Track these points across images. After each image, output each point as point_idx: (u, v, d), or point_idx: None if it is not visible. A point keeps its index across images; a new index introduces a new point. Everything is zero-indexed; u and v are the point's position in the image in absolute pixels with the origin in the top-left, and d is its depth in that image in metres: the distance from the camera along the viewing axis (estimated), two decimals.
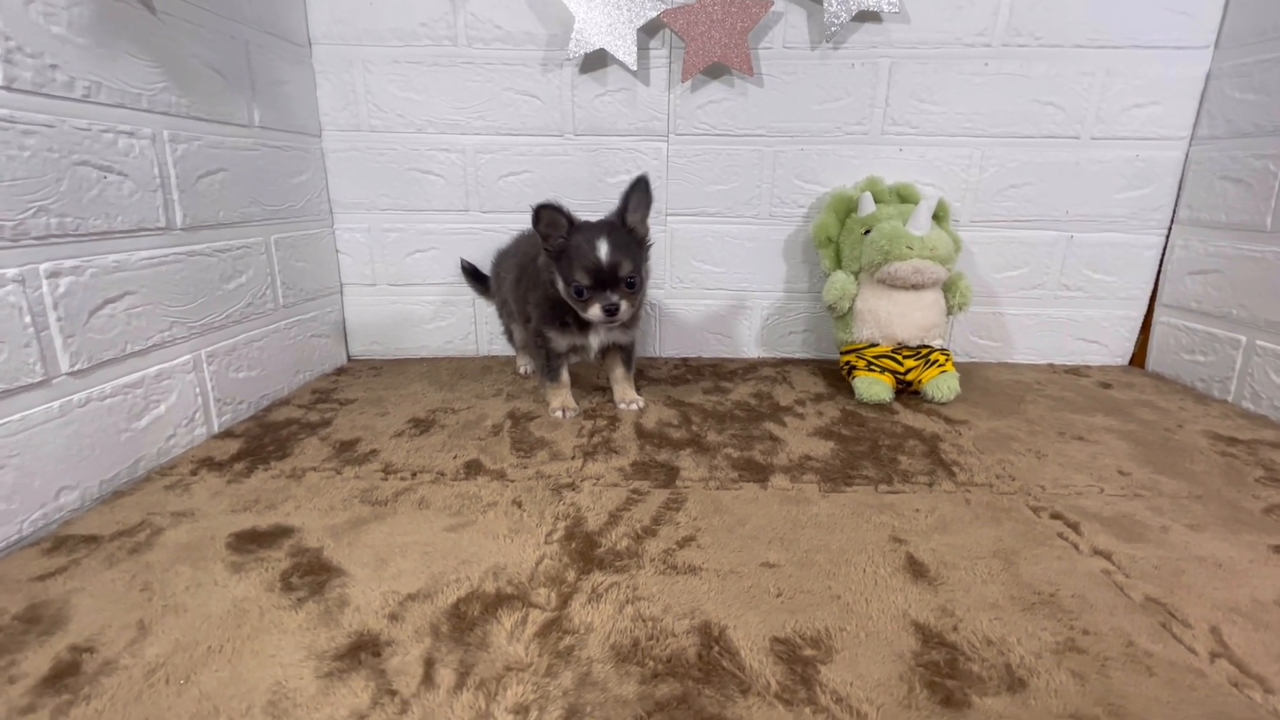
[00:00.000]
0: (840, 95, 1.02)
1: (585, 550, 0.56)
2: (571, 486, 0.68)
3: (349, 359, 1.15)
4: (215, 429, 0.81)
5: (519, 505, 0.64)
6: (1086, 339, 1.12)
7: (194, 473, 0.71)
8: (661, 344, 1.16)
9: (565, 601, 0.49)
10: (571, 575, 0.53)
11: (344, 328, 1.13)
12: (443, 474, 0.71)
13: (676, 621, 0.47)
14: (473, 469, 0.72)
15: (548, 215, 0.78)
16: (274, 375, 0.92)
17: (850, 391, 0.98)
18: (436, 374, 1.07)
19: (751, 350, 1.16)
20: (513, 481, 0.69)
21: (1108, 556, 0.56)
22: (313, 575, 0.53)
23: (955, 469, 0.73)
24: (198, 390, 0.77)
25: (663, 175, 1.06)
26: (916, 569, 0.54)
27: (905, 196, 1.01)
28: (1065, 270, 1.08)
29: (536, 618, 0.48)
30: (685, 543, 0.58)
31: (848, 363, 0.99)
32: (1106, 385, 1.03)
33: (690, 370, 1.09)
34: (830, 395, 0.97)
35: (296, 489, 0.67)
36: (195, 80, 0.76)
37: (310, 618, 0.47)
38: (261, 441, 0.79)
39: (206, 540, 0.58)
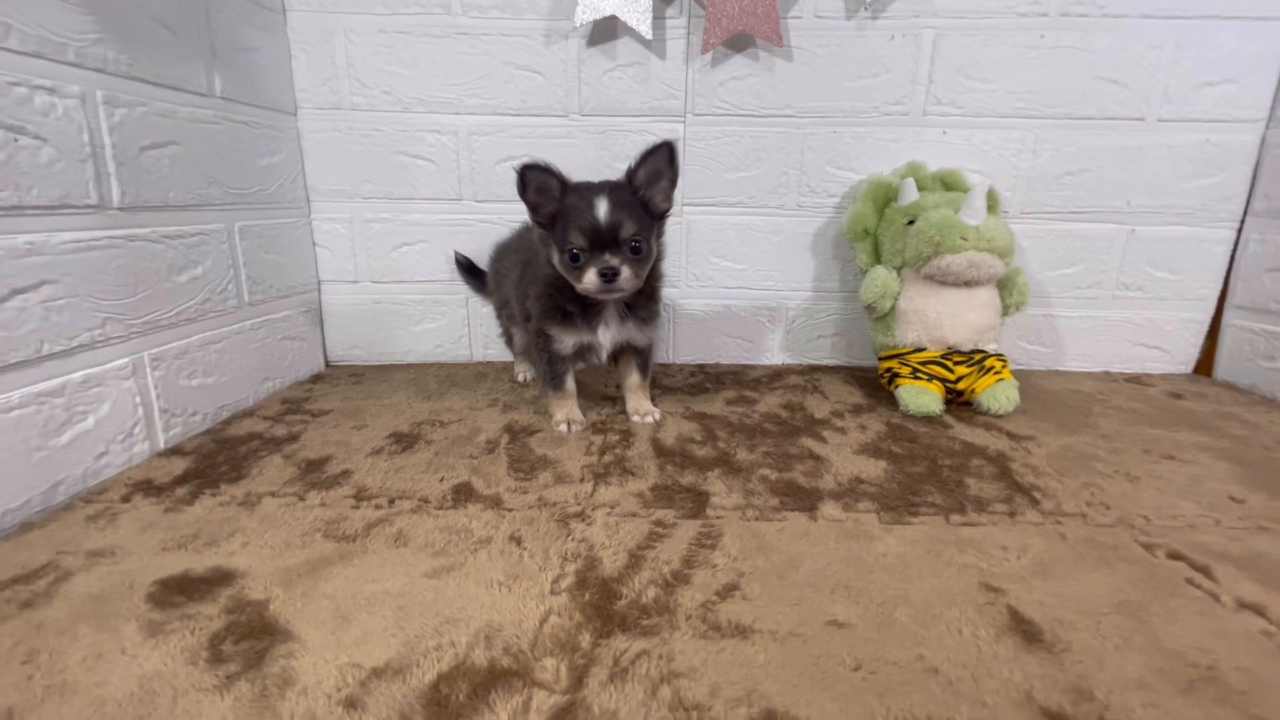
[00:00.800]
0: (878, 71, 0.91)
1: (602, 603, 0.44)
2: (581, 517, 0.57)
3: (326, 364, 1.03)
4: (161, 445, 0.69)
5: (518, 542, 0.52)
6: (1147, 344, 1.01)
7: (126, 499, 0.59)
8: (676, 349, 1.05)
9: (579, 679, 0.38)
10: (586, 639, 0.41)
11: (321, 329, 1.01)
12: (426, 501, 0.59)
13: (730, 711, 0.35)
14: (463, 494, 0.60)
15: (535, 178, 0.68)
16: (236, 382, 0.80)
17: (892, 402, 0.86)
18: (424, 381, 0.95)
19: (775, 356, 1.05)
20: (510, 510, 0.58)
21: (1260, 612, 0.44)
22: (252, 640, 0.41)
23: (1036, 494, 0.61)
24: (138, 399, 0.65)
25: (678, 161, 0.95)
26: (1026, 630, 0.42)
27: (951, 184, 0.91)
28: (1125, 267, 0.98)
29: (542, 703, 0.36)
30: (727, 592, 0.46)
31: (889, 370, 0.87)
32: (1177, 396, 0.92)
33: (709, 377, 0.98)
34: (870, 406, 0.86)
35: (247, 519, 0.55)
36: (139, 35, 0.65)
37: (239, 705, 0.35)
38: (214, 460, 0.67)
39: (123, 589, 0.46)
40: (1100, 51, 0.89)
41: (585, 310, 0.74)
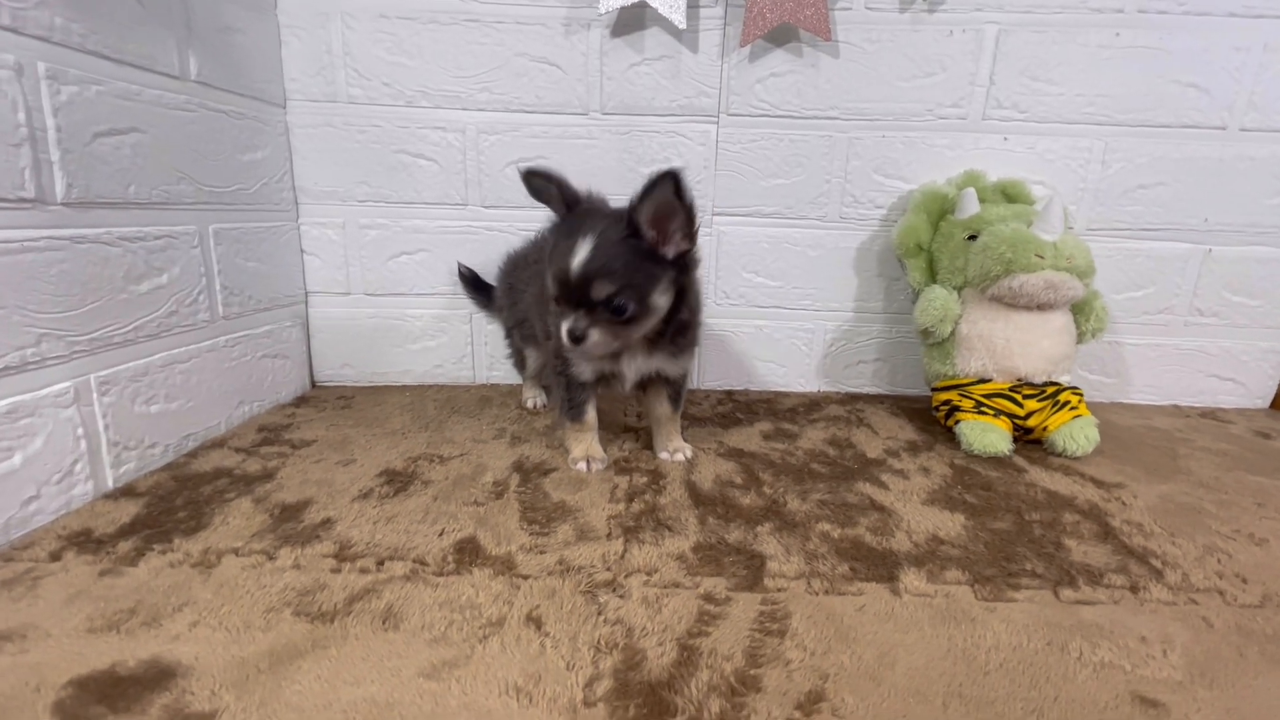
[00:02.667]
0: (934, 70, 0.82)
1: None
2: (612, 587, 0.46)
3: (313, 385, 0.93)
4: (109, 484, 0.58)
5: (537, 625, 0.42)
6: (1220, 376, 0.92)
7: (55, 556, 0.48)
8: (702, 373, 0.95)
9: None
10: None
11: (308, 346, 0.91)
12: (423, 563, 0.49)
13: None
14: (467, 554, 0.50)
15: (538, 185, 0.60)
16: (204, 407, 0.70)
17: (950, 439, 0.76)
18: (422, 406, 0.85)
19: (811, 382, 0.95)
20: (526, 578, 0.47)
21: None
22: None
23: (1153, 561, 0.51)
24: (80, 431, 0.55)
25: (710, 165, 0.86)
26: None
27: (1013, 196, 0.82)
28: (1200, 291, 0.89)
29: None
30: (812, 706, 0.36)
31: (947, 402, 0.78)
32: (1264, 435, 0.82)
33: (739, 406, 0.88)
34: (927, 444, 0.76)
35: (201, 587, 0.45)
36: (96, 1, 0.55)
37: None
38: (170, 504, 0.57)
39: (24, 695, 0.35)
40: (1179, 52, 0.81)
41: None
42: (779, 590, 0.47)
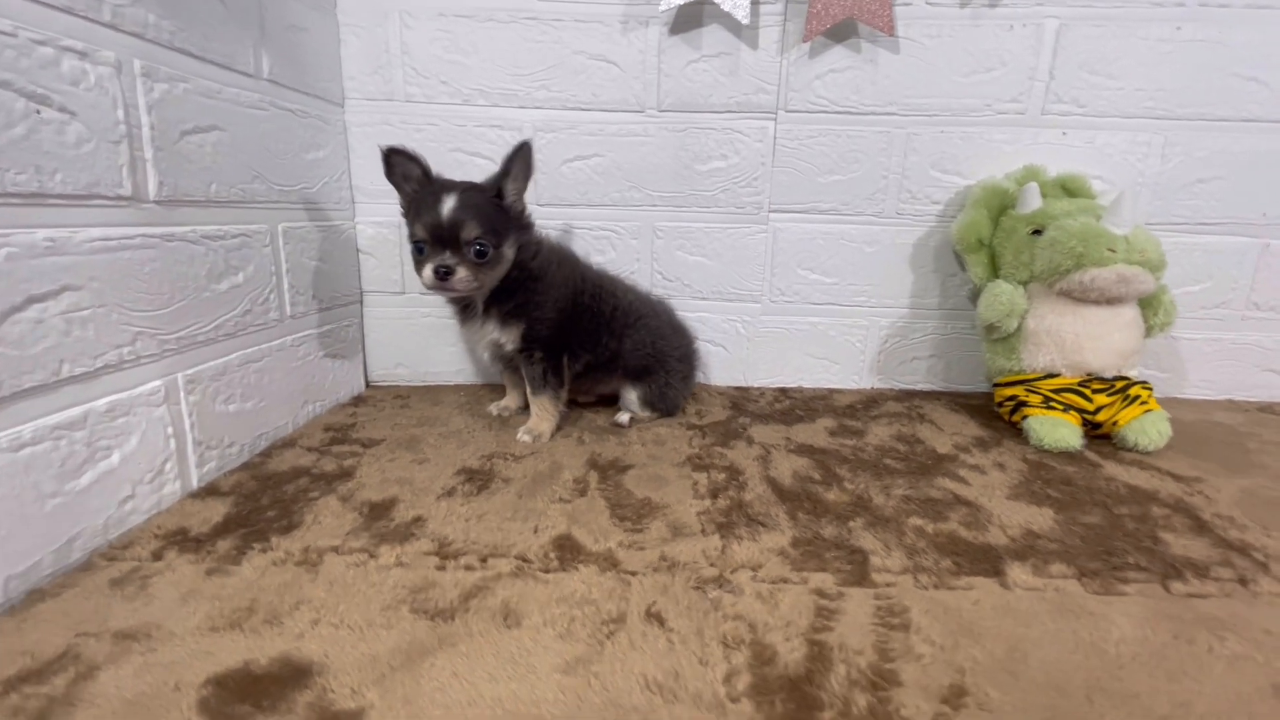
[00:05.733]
0: (993, 65, 0.82)
1: (803, 717, 0.34)
2: (721, 583, 0.46)
3: (367, 385, 0.92)
4: (194, 484, 0.58)
5: (658, 620, 0.42)
6: (1276, 370, 0.92)
7: (157, 555, 0.48)
8: (754, 369, 0.94)
9: None
10: None
11: (363, 346, 0.91)
12: (526, 560, 0.48)
13: None
14: (567, 550, 0.50)
15: (400, 162, 0.67)
16: (275, 407, 0.70)
17: (1016, 434, 0.76)
18: (479, 405, 0.85)
19: (864, 379, 0.94)
20: (634, 574, 0.47)
21: None
22: None
23: (1255, 554, 0.51)
24: (170, 430, 0.55)
25: (767, 162, 0.86)
26: None
27: (1073, 190, 0.82)
28: (1257, 285, 0.88)
29: None
30: (957, 700, 0.35)
31: (1013, 398, 0.77)
32: None
33: (797, 403, 0.88)
34: (994, 440, 0.75)
35: (312, 585, 0.45)
36: None
37: None
38: (258, 503, 0.56)
39: (166, 694, 0.35)
40: (1239, 46, 0.80)
41: (465, 305, 0.73)
42: (888, 585, 0.46)
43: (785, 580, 0.47)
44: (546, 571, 0.47)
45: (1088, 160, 0.84)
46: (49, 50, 0.43)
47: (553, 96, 0.84)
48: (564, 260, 0.75)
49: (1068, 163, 0.84)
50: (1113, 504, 0.60)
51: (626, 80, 0.84)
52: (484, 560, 0.48)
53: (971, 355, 0.93)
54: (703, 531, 0.53)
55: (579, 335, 0.74)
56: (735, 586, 0.46)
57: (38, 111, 0.42)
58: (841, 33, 0.81)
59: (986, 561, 0.50)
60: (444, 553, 0.49)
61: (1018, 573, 0.48)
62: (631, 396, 0.79)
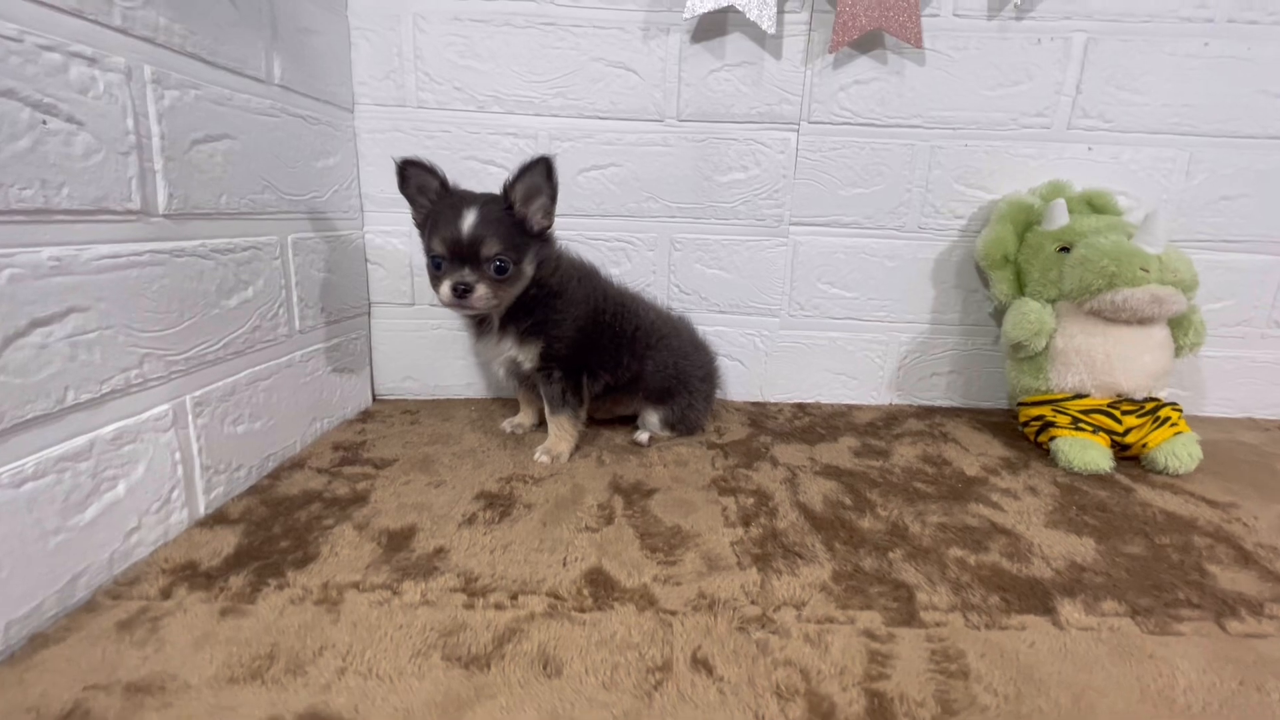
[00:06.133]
0: (1020, 78, 0.81)
1: None
2: (764, 623, 0.44)
3: (374, 399, 0.90)
4: (201, 511, 0.55)
5: (706, 668, 0.39)
6: None
7: (166, 592, 0.45)
8: (772, 385, 0.92)
9: None
10: None
11: (370, 359, 0.88)
12: (558, 597, 0.46)
13: None
14: (601, 586, 0.47)
15: (415, 174, 0.65)
16: (283, 426, 0.67)
17: (1042, 454, 0.75)
18: (491, 422, 0.82)
19: (883, 395, 0.93)
20: (672, 613, 0.45)
21: None
22: None
23: None
24: (178, 456, 0.52)
25: (789, 174, 0.84)
26: None
27: (1099, 207, 0.80)
28: (1279, 304, 0.88)
29: None
30: None
31: (1039, 418, 0.76)
32: None
33: (817, 420, 0.86)
34: (1021, 461, 0.74)
35: (334, 628, 0.42)
36: (194, 0, 0.52)
37: None
38: (270, 531, 0.54)
39: None
40: (1267, 62, 0.80)
41: (480, 320, 0.70)
42: (938, 625, 0.45)
43: (831, 620, 0.45)
44: (581, 610, 0.45)
45: (1113, 176, 0.83)
46: (56, 56, 0.40)
47: (569, 104, 0.82)
48: (585, 276, 0.72)
49: (1092, 178, 0.83)
50: (1153, 533, 0.58)
51: (646, 89, 0.82)
52: (514, 598, 0.46)
53: (992, 372, 0.91)
54: (739, 564, 0.51)
55: (599, 355, 0.72)
56: (780, 627, 0.44)
57: (44, 122, 0.40)
58: (867, 44, 0.80)
59: (1035, 597, 0.48)
60: (471, 589, 0.47)
61: (1069, 610, 0.46)
62: (653, 419, 0.76)
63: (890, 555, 0.53)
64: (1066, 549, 0.55)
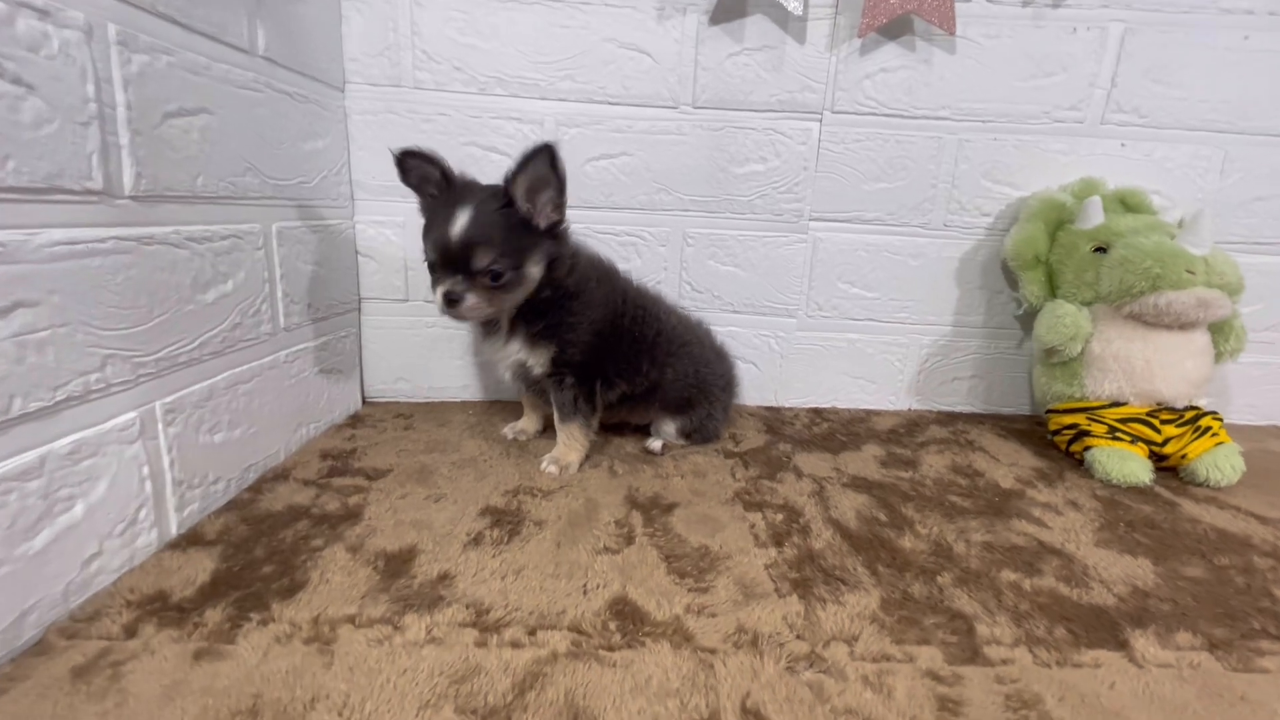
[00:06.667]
0: (1053, 70, 0.77)
1: None
2: (814, 661, 0.39)
3: (364, 402, 0.83)
4: (172, 531, 0.49)
5: (758, 719, 0.35)
6: None
7: (131, 630, 0.39)
8: (787, 389, 0.88)
9: None
10: None
11: (360, 359, 0.82)
12: (581, 631, 0.41)
13: None
14: (628, 618, 0.42)
15: (415, 166, 0.59)
16: (266, 434, 0.61)
17: (1077, 466, 0.71)
18: (491, 427, 0.77)
19: (901, 400, 0.89)
20: (712, 651, 0.40)
21: None
22: None
23: None
24: (146, 470, 0.46)
25: (810, 166, 0.80)
26: None
27: (1132, 206, 0.77)
28: None
29: None
30: None
31: (1073, 426, 0.72)
32: None
33: (836, 426, 0.82)
34: (1056, 473, 0.70)
35: (326, 673, 0.36)
36: None
37: None
38: (250, 554, 0.48)
39: None
40: None
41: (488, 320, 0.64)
42: (1004, 662, 0.40)
43: (888, 657, 0.40)
44: (610, 649, 0.40)
45: (1145, 174, 0.80)
46: (3, 7, 0.34)
47: (578, 88, 0.77)
48: (604, 276, 0.67)
49: (1124, 176, 0.79)
50: (1209, 552, 0.55)
51: (660, 72, 0.77)
52: (532, 633, 0.41)
53: (1014, 377, 0.88)
54: (777, 591, 0.46)
55: (616, 361, 0.66)
56: (833, 667, 0.39)
57: None
58: (895, 30, 0.75)
59: (1103, 629, 0.44)
60: (483, 623, 0.41)
61: (1143, 644, 0.42)
62: (669, 427, 0.71)
63: (939, 579, 0.49)
64: (1123, 571, 0.51)
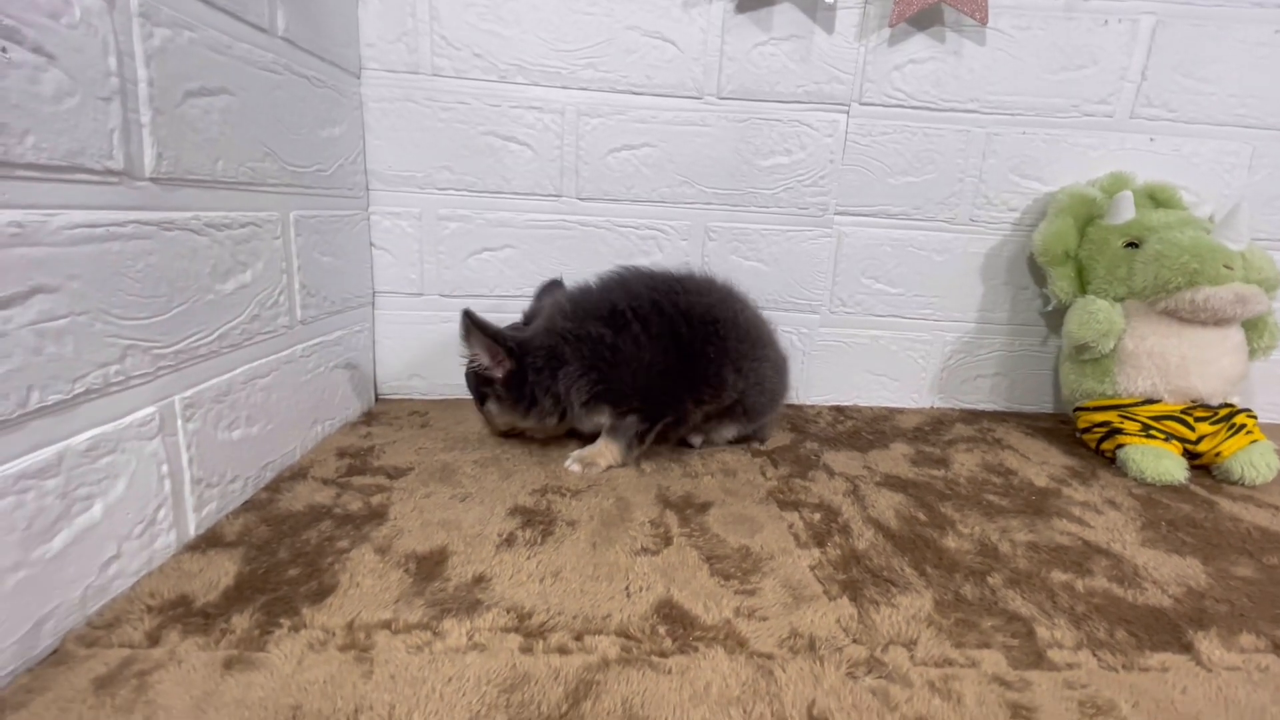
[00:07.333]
0: (1084, 62, 0.76)
1: None
2: (874, 667, 0.38)
3: (377, 398, 0.81)
4: (191, 532, 0.47)
5: None
6: None
7: (154, 638, 0.37)
8: (809, 386, 0.86)
9: None
10: None
11: (373, 354, 0.80)
12: (630, 636, 0.39)
13: None
14: (676, 622, 0.41)
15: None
16: (283, 430, 0.59)
17: (1108, 463, 0.70)
18: None
19: (924, 398, 0.88)
20: (769, 657, 0.38)
21: None
22: None
23: None
24: (165, 468, 0.43)
25: (836, 159, 0.78)
26: None
27: (1162, 201, 0.76)
28: None
29: None
30: None
31: (1105, 424, 0.71)
32: None
33: (860, 425, 0.80)
34: (1089, 471, 0.69)
35: (366, 683, 0.34)
36: None
37: None
38: (275, 556, 0.46)
39: None
40: None
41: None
42: (1070, 666, 0.39)
43: (950, 662, 0.38)
44: (662, 655, 0.38)
45: (1173, 169, 0.79)
46: None
47: (600, 77, 0.75)
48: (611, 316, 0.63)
49: (1152, 171, 0.79)
50: (1256, 552, 0.54)
51: (685, 62, 0.75)
52: (579, 638, 0.39)
53: (1037, 374, 0.87)
54: (826, 594, 0.45)
55: (691, 382, 0.63)
56: (895, 672, 0.37)
57: (3, 50, 0.31)
58: (925, 20, 0.74)
59: (1165, 631, 0.42)
60: (526, 628, 0.39)
61: (1208, 647, 0.41)
62: (729, 433, 0.69)
63: (989, 580, 0.47)
64: (1174, 571, 0.50)
